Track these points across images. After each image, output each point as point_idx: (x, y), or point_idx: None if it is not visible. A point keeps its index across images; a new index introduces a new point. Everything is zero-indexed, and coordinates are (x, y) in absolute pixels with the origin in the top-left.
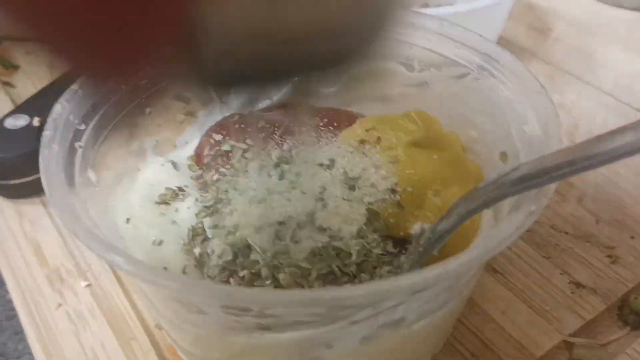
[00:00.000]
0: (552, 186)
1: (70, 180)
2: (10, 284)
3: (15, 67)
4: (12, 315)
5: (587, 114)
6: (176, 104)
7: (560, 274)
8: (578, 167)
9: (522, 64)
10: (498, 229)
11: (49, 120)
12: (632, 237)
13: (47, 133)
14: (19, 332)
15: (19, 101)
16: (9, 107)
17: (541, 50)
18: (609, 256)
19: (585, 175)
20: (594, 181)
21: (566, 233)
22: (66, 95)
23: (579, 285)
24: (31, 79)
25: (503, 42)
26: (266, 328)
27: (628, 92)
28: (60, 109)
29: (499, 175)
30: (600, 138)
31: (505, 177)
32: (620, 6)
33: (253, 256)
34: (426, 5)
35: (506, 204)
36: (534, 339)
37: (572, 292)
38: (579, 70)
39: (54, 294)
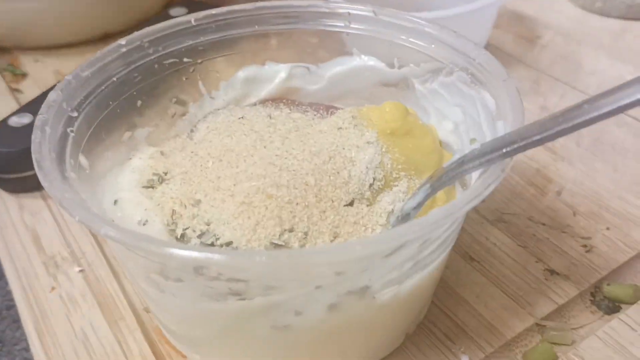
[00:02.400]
0: (509, 161)
1: (61, 162)
2: (9, 272)
3: (23, 75)
4: (11, 305)
5: None
6: (167, 99)
7: (536, 262)
8: (529, 142)
9: (491, 55)
10: (458, 199)
11: (44, 105)
12: (608, 229)
13: (41, 117)
14: (17, 321)
15: None
16: None
17: (528, 57)
18: (584, 246)
19: (563, 170)
20: (572, 176)
21: (543, 224)
22: (61, 84)
23: (553, 272)
24: (38, 85)
25: (491, 48)
26: (237, 294)
27: None
28: (55, 96)
29: (462, 155)
30: (550, 117)
31: (467, 155)
32: (607, 15)
33: (229, 234)
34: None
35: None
36: (506, 322)
37: (546, 279)
38: (565, 76)
39: (48, 279)
